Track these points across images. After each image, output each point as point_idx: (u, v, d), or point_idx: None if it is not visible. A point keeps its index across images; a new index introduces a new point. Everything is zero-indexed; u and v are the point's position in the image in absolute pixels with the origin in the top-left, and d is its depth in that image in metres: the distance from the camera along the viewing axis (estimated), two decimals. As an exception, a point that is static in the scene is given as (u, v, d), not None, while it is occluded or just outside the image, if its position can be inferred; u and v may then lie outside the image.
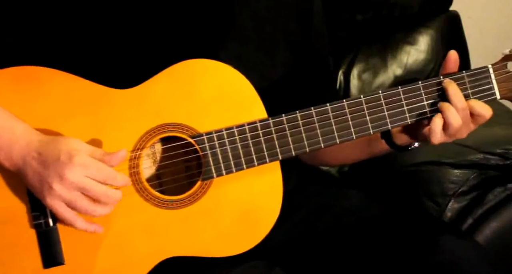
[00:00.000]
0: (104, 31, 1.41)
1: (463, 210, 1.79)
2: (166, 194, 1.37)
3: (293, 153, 1.38)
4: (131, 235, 1.37)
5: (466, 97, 1.38)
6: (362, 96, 1.38)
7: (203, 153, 1.36)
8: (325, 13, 1.58)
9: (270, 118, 1.37)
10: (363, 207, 1.55)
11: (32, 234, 1.34)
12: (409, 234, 1.45)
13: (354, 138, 1.39)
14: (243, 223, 1.39)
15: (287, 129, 1.37)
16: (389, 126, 1.39)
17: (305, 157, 1.63)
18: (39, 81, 1.35)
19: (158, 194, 1.36)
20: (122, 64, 1.41)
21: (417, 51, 2.14)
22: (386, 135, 1.48)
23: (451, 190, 1.79)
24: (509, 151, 1.81)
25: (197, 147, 1.36)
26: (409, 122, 1.39)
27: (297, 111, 1.37)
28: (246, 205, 1.39)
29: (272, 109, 1.39)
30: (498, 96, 1.41)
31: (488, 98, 1.40)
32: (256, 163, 1.37)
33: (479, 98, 1.39)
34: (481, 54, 2.06)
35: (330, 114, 1.37)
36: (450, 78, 1.39)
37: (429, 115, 1.39)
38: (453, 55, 1.40)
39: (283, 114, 1.37)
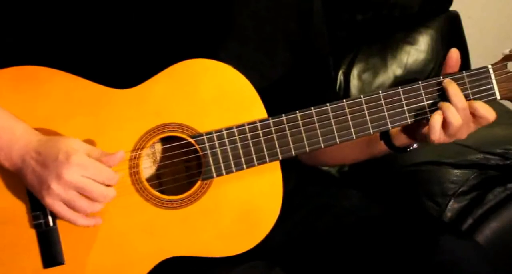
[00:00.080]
0: (104, 31, 1.41)
1: (463, 210, 1.79)
2: (166, 194, 1.37)
3: (293, 153, 1.38)
4: (131, 235, 1.37)
5: (466, 97, 1.38)
6: (362, 96, 1.38)
7: (203, 152, 1.36)
8: (325, 13, 1.58)
9: (270, 118, 1.37)
10: (363, 207, 1.55)
11: (32, 234, 1.34)
12: (409, 234, 1.45)
13: (354, 137, 1.38)
14: (243, 223, 1.39)
15: (287, 129, 1.37)
16: (389, 126, 1.39)
17: (305, 157, 1.63)
18: (39, 81, 1.35)
19: (158, 194, 1.36)
20: (122, 64, 1.41)
21: (417, 51, 2.14)
22: (385, 136, 1.48)
23: (451, 190, 1.79)
24: (509, 151, 1.81)
25: (197, 146, 1.36)
26: (409, 122, 1.39)
27: (297, 111, 1.37)
28: (246, 205, 1.39)
29: (272, 109, 1.39)
30: (498, 97, 1.41)
31: (488, 99, 1.40)
32: (256, 163, 1.37)
33: (479, 98, 1.39)
34: (481, 54, 2.06)
35: (330, 114, 1.37)
36: (450, 78, 1.39)
37: (429, 115, 1.39)
38: (454, 53, 1.40)
39: (283, 114, 1.37)
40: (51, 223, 1.34)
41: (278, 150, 1.37)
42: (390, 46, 2.14)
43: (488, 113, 1.37)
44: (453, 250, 1.40)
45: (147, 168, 1.41)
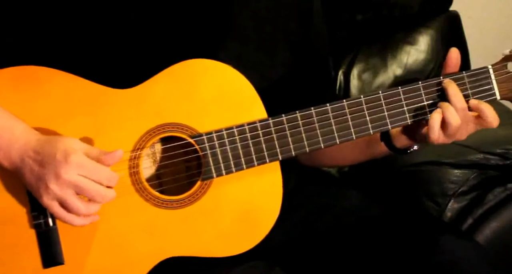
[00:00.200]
0: (104, 31, 1.41)
1: (463, 210, 1.79)
2: (166, 194, 1.37)
3: (293, 153, 1.38)
4: (131, 235, 1.37)
5: (466, 97, 1.38)
6: (362, 96, 1.38)
7: (203, 153, 1.36)
8: (325, 13, 1.58)
9: (270, 119, 1.37)
10: (363, 207, 1.55)
11: (31, 234, 1.34)
12: (409, 234, 1.45)
13: (354, 138, 1.38)
14: (243, 223, 1.39)
15: (287, 129, 1.37)
16: (389, 126, 1.39)
17: (304, 158, 1.63)
18: (39, 81, 1.35)
19: (158, 194, 1.36)
20: (122, 64, 1.41)
21: (417, 51, 2.14)
22: (386, 137, 1.48)
23: (451, 190, 1.79)
24: (509, 151, 1.81)
25: (197, 147, 1.36)
26: (409, 123, 1.39)
27: (297, 112, 1.37)
28: (246, 205, 1.39)
29: (272, 109, 1.39)
30: (498, 97, 1.41)
31: (488, 99, 1.40)
32: (256, 163, 1.37)
33: (479, 99, 1.39)
34: (481, 54, 2.06)
35: (330, 114, 1.37)
36: (450, 78, 1.39)
37: (429, 115, 1.39)
38: (454, 53, 1.40)
39: (283, 115, 1.37)
40: (50, 223, 1.34)
41: (278, 150, 1.37)
42: (390, 46, 2.14)
43: (493, 119, 1.37)
44: (453, 250, 1.40)
45: (147, 168, 1.41)
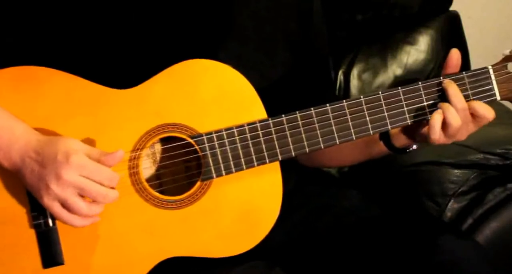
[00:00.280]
0: (104, 31, 1.41)
1: (463, 210, 1.79)
2: (165, 194, 1.37)
3: (293, 153, 1.38)
4: (130, 235, 1.37)
5: (466, 98, 1.38)
6: (362, 96, 1.38)
7: (202, 153, 1.36)
8: (325, 13, 1.58)
9: (270, 119, 1.37)
10: (363, 207, 1.55)
11: (31, 234, 1.34)
12: (409, 234, 1.45)
13: (354, 138, 1.38)
14: (243, 223, 1.39)
15: (287, 129, 1.37)
16: (389, 127, 1.39)
17: (304, 158, 1.63)
18: (39, 81, 1.35)
19: (157, 194, 1.36)
20: (122, 64, 1.41)
21: (417, 51, 2.14)
22: (385, 137, 1.48)
23: (451, 190, 1.79)
24: (509, 151, 1.81)
25: (196, 147, 1.36)
26: (409, 123, 1.39)
27: (297, 112, 1.37)
28: (246, 205, 1.39)
29: (272, 109, 1.39)
30: (498, 97, 1.41)
31: (488, 99, 1.40)
32: (255, 163, 1.37)
33: (479, 99, 1.39)
34: (481, 54, 2.06)
35: (330, 114, 1.37)
36: (450, 79, 1.38)
37: (428, 116, 1.39)
38: (455, 54, 1.40)
39: (283, 115, 1.37)
40: (50, 223, 1.34)
41: (278, 150, 1.37)
42: (390, 46, 2.14)
43: (487, 112, 1.37)
44: (453, 250, 1.40)
45: (147, 168, 1.41)
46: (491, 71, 1.40)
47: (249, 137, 1.36)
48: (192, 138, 1.36)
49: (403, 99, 1.39)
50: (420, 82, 1.39)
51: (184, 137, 1.36)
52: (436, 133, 1.37)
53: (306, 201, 1.57)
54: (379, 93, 1.38)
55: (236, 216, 1.39)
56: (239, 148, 1.36)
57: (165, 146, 1.40)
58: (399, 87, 1.38)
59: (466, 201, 1.79)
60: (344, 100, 1.37)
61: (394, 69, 2.13)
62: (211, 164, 1.36)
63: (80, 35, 1.41)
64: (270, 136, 1.37)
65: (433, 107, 1.38)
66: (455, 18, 2.20)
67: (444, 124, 1.36)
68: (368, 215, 1.52)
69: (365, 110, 1.38)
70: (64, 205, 1.28)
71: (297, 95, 1.53)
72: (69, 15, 1.41)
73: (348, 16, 2.12)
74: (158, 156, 1.41)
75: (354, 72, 2.13)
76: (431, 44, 2.14)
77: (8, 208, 1.33)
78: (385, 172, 1.88)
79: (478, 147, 1.81)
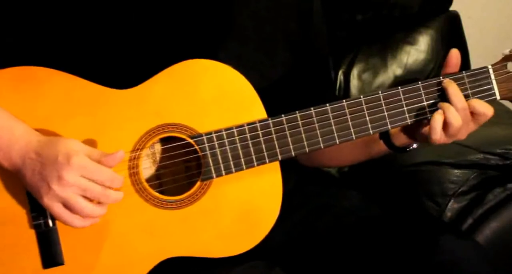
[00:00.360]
0: (104, 31, 1.41)
1: (463, 210, 1.79)
2: (165, 194, 1.37)
3: (293, 153, 1.37)
4: (131, 235, 1.37)
5: (466, 97, 1.38)
6: (362, 96, 1.38)
7: (202, 153, 1.36)
8: (325, 13, 1.58)
9: (269, 119, 1.37)
10: (363, 207, 1.55)
11: (31, 234, 1.34)
12: (409, 234, 1.45)
13: (354, 138, 1.38)
14: (243, 223, 1.39)
15: (286, 129, 1.37)
16: (389, 126, 1.39)
17: (303, 158, 1.63)
18: (38, 81, 1.35)
19: (157, 194, 1.36)
20: (122, 64, 1.41)
21: (417, 51, 2.14)
22: (385, 136, 1.48)
23: (451, 190, 1.79)
24: (509, 151, 1.81)
25: (196, 147, 1.36)
26: (409, 123, 1.39)
27: (297, 112, 1.37)
28: (246, 205, 1.39)
29: (272, 109, 1.39)
30: (498, 97, 1.41)
31: (488, 99, 1.40)
32: (255, 163, 1.37)
33: (479, 99, 1.39)
34: (481, 54, 2.06)
35: (330, 114, 1.37)
36: (450, 78, 1.39)
37: (429, 115, 1.39)
38: (454, 54, 1.40)
39: (283, 115, 1.37)
40: (50, 224, 1.34)
41: (277, 150, 1.37)
42: (390, 46, 2.14)
43: (486, 109, 1.37)
44: (453, 250, 1.40)
45: (147, 168, 1.41)
46: (490, 70, 1.40)
47: (249, 137, 1.36)
48: (192, 138, 1.36)
49: (403, 99, 1.39)
50: (420, 82, 1.39)
51: (184, 137, 1.36)
52: (437, 134, 1.37)
53: (306, 201, 1.57)
54: (379, 93, 1.38)
55: (236, 216, 1.39)
56: (239, 147, 1.36)
57: (165, 146, 1.40)
58: (399, 87, 1.39)
59: (466, 201, 1.79)
60: (344, 100, 1.37)
61: (394, 69, 2.13)
62: (211, 164, 1.36)
63: (80, 35, 1.41)
64: (270, 136, 1.37)
65: (433, 107, 1.38)
66: (455, 18, 2.20)
67: (445, 125, 1.36)
68: (368, 215, 1.52)
69: (365, 110, 1.38)
70: (66, 205, 1.28)
71: (297, 95, 1.53)
72: (69, 15, 1.41)
73: (348, 16, 2.12)
74: (158, 156, 1.41)
75: (354, 72, 2.13)
76: (431, 44, 2.14)
77: (8, 209, 1.33)
78: (385, 172, 1.88)
79: (478, 147, 1.81)
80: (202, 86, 1.37)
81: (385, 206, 1.55)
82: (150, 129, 1.35)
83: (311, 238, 1.52)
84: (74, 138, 1.31)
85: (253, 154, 1.36)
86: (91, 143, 1.33)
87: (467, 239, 1.47)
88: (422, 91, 1.39)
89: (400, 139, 1.47)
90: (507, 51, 1.40)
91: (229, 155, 1.36)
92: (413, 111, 1.39)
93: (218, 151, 1.36)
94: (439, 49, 2.14)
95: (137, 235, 1.37)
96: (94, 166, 1.27)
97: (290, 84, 1.53)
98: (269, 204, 1.40)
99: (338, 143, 1.38)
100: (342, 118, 1.38)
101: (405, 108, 1.39)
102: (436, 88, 1.39)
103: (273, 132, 1.37)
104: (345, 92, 2.13)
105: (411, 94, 1.39)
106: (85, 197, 1.28)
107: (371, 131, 1.39)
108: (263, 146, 1.37)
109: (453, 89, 1.37)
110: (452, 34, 2.17)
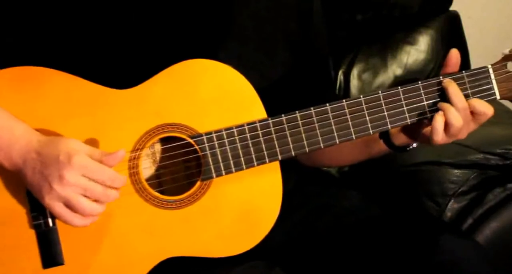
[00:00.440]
0: (104, 31, 1.41)
1: (463, 210, 1.79)
2: (165, 194, 1.37)
3: (293, 153, 1.37)
4: (130, 235, 1.37)
5: (466, 97, 1.38)
6: (361, 96, 1.38)
7: (202, 153, 1.36)
8: (325, 13, 1.58)
9: (269, 119, 1.37)
10: (363, 207, 1.55)
11: (31, 234, 1.34)
12: (409, 234, 1.45)
13: (354, 138, 1.38)
14: (243, 223, 1.39)
15: (286, 129, 1.37)
16: (389, 126, 1.39)
17: (303, 158, 1.63)
18: (39, 82, 1.35)
19: (157, 194, 1.36)
20: (122, 64, 1.41)
21: (417, 51, 2.14)
22: (385, 135, 1.48)
23: (451, 190, 1.79)
24: (509, 151, 1.81)
25: (196, 147, 1.36)
26: (409, 123, 1.39)
27: (297, 112, 1.37)
28: (246, 205, 1.39)
29: (272, 109, 1.39)
30: (498, 96, 1.41)
31: (488, 98, 1.40)
32: (255, 163, 1.37)
33: (479, 98, 1.39)
34: (481, 54, 2.06)
35: (330, 114, 1.37)
36: (450, 78, 1.39)
37: (429, 115, 1.39)
38: (454, 53, 1.40)
39: (283, 115, 1.37)
40: (50, 224, 1.34)
41: (277, 150, 1.37)
42: (390, 46, 2.14)
43: (486, 109, 1.37)
44: (453, 250, 1.40)
45: (147, 168, 1.41)
46: (490, 70, 1.40)
47: (248, 137, 1.36)
48: (192, 137, 1.36)
49: (403, 99, 1.39)
50: (420, 82, 1.39)
51: (184, 136, 1.36)
52: (439, 135, 1.37)
53: (306, 201, 1.57)
54: (379, 93, 1.38)
55: (236, 216, 1.39)
56: (239, 147, 1.36)
57: (165, 146, 1.40)
58: (399, 87, 1.39)
59: (466, 201, 1.79)
60: (344, 100, 1.37)
61: (394, 69, 2.13)
62: (211, 164, 1.36)
63: (80, 35, 1.41)
64: (270, 136, 1.37)
65: (433, 106, 1.38)
66: (455, 18, 2.20)
67: (446, 125, 1.36)
68: (368, 215, 1.52)
69: (365, 110, 1.38)
70: (68, 205, 1.27)
71: (297, 95, 1.53)
72: (69, 15, 1.41)
73: (348, 16, 2.12)
74: (158, 156, 1.41)
75: (354, 72, 2.13)
76: (431, 44, 2.14)
77: (8, 208, 1.33)
78: (385, 172, 1.88)
79: (478, 147, 1.82)
80: (202, 86, 1.37)
81: (385, 206, 1.55)
82: (150, 129, 1.35)
83: (311, 238, 1.52)
84: (74, 137, 1.31)
85: (253, 153, 1.36)
86: (91, 142, 1.33)
87: (467, 239, 1.47)
88: (422, 91, 1.39)
89: (400, 139, 1.47)
90: (507, 51, 1.40)
91: (229, 154, 1.36)
92: (413, 111, 1.39)
93: (218, 150, 1.36)
94: (439, 49, 2.14)
95: (137, 235, 1.37)
96: (95, 166, 1.27)
97: (290, 84, 1.53)
98: (269, 204, 1.40)
99: (338, 142, 1.38)
100: (342, 118, 1.38)
101: (405, 108, 1.39)
102: (436, 88, 1.39)
103: (273, 132, 1.37)
104: (345, 92, 2.13)
105: (411, 94, 1.39)
106: (86, 196, 1.28)
107: (371, 131, 1.39)
108: (263, 145, 1.37)
109: (453, 89, 1.37)
110: (452, 34, 2.17)
